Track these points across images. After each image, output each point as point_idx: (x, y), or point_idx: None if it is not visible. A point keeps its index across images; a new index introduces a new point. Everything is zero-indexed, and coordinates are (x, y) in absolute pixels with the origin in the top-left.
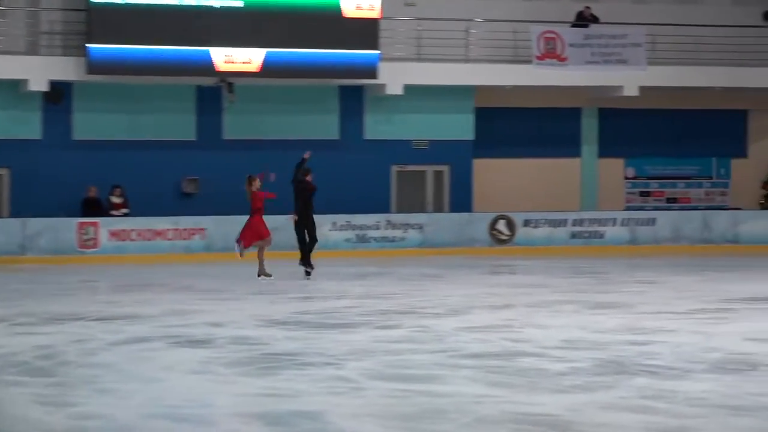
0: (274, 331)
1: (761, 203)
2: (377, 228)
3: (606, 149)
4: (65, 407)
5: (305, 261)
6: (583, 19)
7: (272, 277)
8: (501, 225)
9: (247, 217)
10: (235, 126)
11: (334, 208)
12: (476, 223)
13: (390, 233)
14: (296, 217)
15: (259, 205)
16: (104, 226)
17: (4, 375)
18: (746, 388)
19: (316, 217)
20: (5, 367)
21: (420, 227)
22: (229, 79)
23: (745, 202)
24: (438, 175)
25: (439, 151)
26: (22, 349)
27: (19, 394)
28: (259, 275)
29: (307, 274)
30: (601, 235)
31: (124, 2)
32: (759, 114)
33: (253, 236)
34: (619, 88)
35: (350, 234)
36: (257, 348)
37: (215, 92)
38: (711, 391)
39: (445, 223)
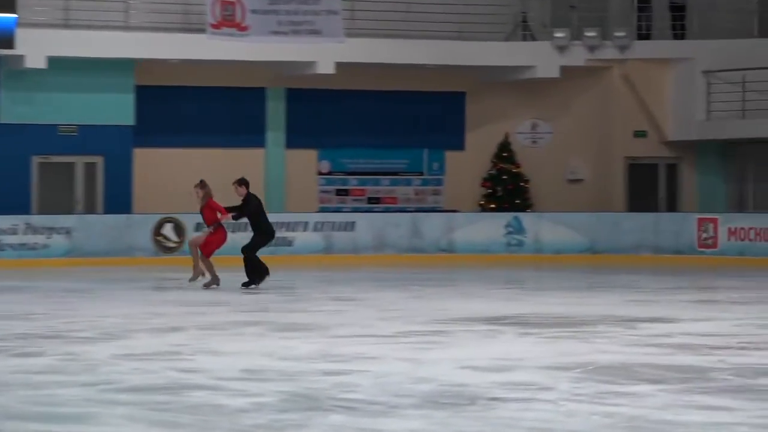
0: None
1: (481, 204)
2: (14, 233)
3: (295, 138)
4: None
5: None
6: None
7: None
8: (167, 230)
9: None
10: None
11: None
12: (137, 227)
13: (30, 239)
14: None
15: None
16: None
17: None
18: (462, 426)
19: None
20: None
21: (67, 232)
22: None
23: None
24: (89, 167)
25: (91, 138)
26: None
27: None
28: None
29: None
30: (290, 243)
31: None
32: (478, 97)
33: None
34: (312, 64)
35: None
36: None
37: None
38: (420, 430)
39: (98, 227)
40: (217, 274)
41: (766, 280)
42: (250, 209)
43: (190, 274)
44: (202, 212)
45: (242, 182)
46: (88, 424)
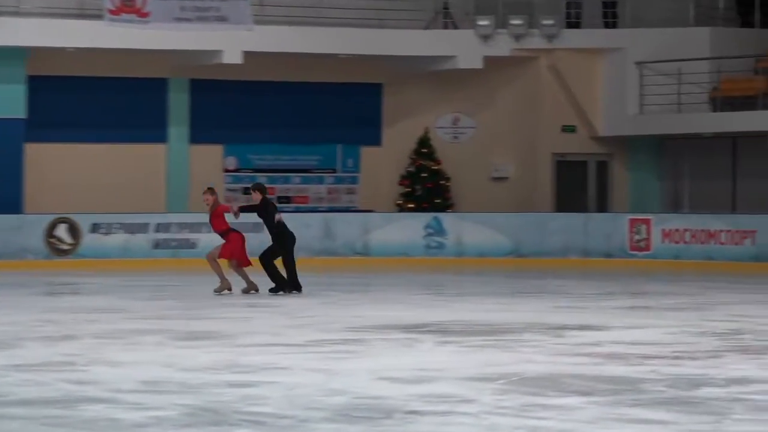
0: None
1: (398, 204)
2: None
3: (200, 133)
4: None
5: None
6: None
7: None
8: (61, 231)
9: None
10: None
11: None
12: (28, 227)
13: None
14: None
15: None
16: None
17: None
18: None
19: None
20: None
21: None
22: None
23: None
24: None
25: None
26: None
27: None
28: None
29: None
30: (193, 244)
31: None
32: (396, 89)
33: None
34: (218, 53)
35: None
36: None
37: None
38: None
39: None
40: (252, 279)
41: (702, 285)
42: (271, 216)
43: (90, 279)
44: (210, 220)
45: (257, 188)
46: None
